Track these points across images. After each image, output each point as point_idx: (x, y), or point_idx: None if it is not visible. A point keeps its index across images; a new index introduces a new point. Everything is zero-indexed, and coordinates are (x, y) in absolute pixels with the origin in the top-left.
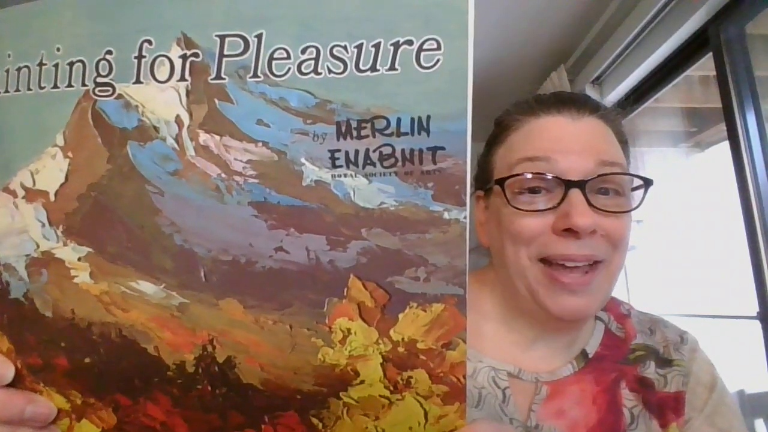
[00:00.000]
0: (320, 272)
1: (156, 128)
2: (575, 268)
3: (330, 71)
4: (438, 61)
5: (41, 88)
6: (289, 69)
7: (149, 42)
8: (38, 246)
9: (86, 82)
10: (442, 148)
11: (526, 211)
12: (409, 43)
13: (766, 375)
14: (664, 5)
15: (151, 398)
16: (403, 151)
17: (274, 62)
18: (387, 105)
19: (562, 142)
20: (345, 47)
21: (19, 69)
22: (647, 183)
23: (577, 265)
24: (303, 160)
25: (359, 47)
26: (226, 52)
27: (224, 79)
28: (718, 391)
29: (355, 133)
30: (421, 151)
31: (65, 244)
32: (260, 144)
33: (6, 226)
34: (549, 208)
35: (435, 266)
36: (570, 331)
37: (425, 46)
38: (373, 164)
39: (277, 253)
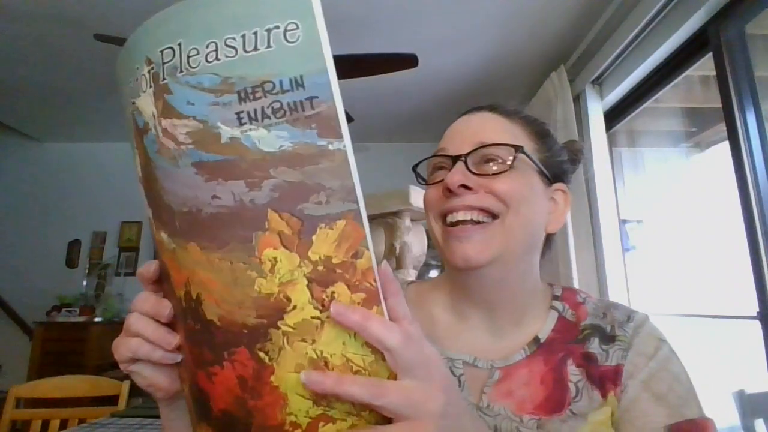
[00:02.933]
0: (245, 211)
1: (147, 123)
2: (467, 221)
3: (226, 56)
4: (299, 36)
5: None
6: (200, 61)
7: (138, 67)
8: (148, 214)
9: (130, 102)
10: (316, 97)
11: (430, 184)
12: (277, 27)
13: (766, 375)
14: (664, 5)
15: (178, 326)
16: (288, 104)
17: (190, 59)
18: (270, 72)
19: (454, 133)
20: (234, 38)
21: None
22: (516, 149)
23: (466, 218)
24: (219, 124)
25: (244, 36)
26: (164, 60)
27: (166, 79)
28: (658, 359)
29: (251, 96)
30: (301, 101)
31: (149, 213)
32: (190, 118)
33: (143, 202)
34: (442, 179)
35: (331, 189)
36: (509, 313)
37: (288, 28)
38: (269, 117)
39: (213, 200)
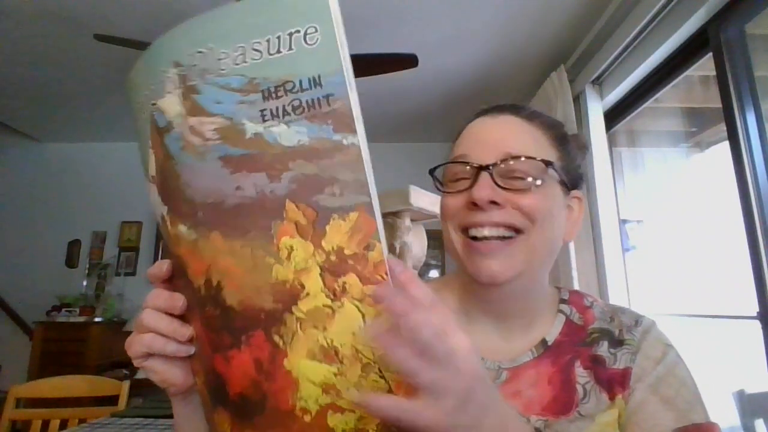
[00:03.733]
0: (265, 201)
1: (171, 122)
2: (492, 237)
3: (253, 59)
4: (317, 39)
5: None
6: (229, 64)
7: (164, 70)
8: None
9: (149, 104)
10: (332, 94)
11: (450, 192)
12: (298, 31)
13: (766, 375)
14: (664, 5)
15: (192, 317)
16: (307, 101)
17: (220, 62)
18: (291, 73)
19: (477, 139)
20: (260, 42)
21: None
22: (546, 164)
23: (491, 234)
24: (244, 121)
25: (268, 40)
26: (194, 63)
27: (195, 80)
28: (666, 364)
29: (274, 95)
30: (319, 99)
31: (163, 210)
32: (218, 116)
33: (152, 201)
34: (465, 189)
35: (345, 182)
36: (520, 317)
37: (308, 31)
38: (289, 114)
39: (237, 191)
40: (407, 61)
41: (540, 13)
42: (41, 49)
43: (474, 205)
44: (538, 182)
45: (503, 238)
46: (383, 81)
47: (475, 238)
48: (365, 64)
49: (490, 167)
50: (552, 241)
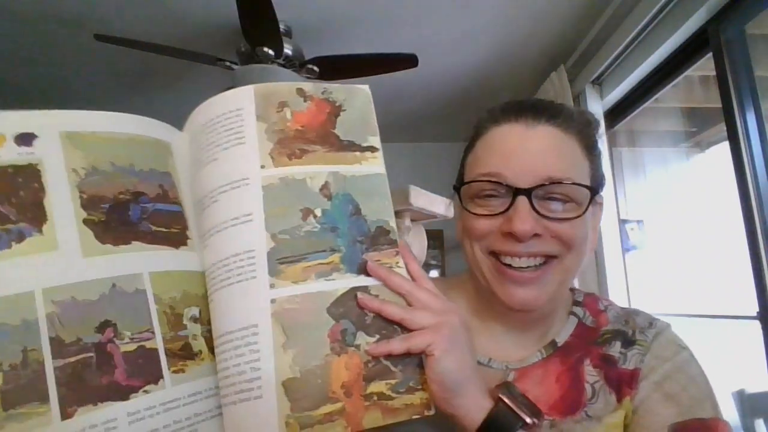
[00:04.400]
0: None
1: None
2: (526, 266)
3: None
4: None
5: None
6: None
7: None
8: None
9: None
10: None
11: (478, 214)
12: None
13: (766, 375)
14: (664, 5)
15: None
16: None
17: None
18: None
19: (513, 155)
20: None
21: None
22: (592, 191)
23: (528, 264)
24: None
25: None
26: None
27: None
28: (675, 362)
29: None
30: None
31: None
32: None
33: None
34: (498, 213)
35: None
36: (536, 325)
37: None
38: None
39: None
40: (407, 61)
41: (540, 13)
42: (41, 49)
43: (511, 235)
44: (580, 210)
45: (537, 265)
46: (383, 81)
47: (508, 265)
48: (365, 64)
49: (530, 191)
50: (583, 258)
